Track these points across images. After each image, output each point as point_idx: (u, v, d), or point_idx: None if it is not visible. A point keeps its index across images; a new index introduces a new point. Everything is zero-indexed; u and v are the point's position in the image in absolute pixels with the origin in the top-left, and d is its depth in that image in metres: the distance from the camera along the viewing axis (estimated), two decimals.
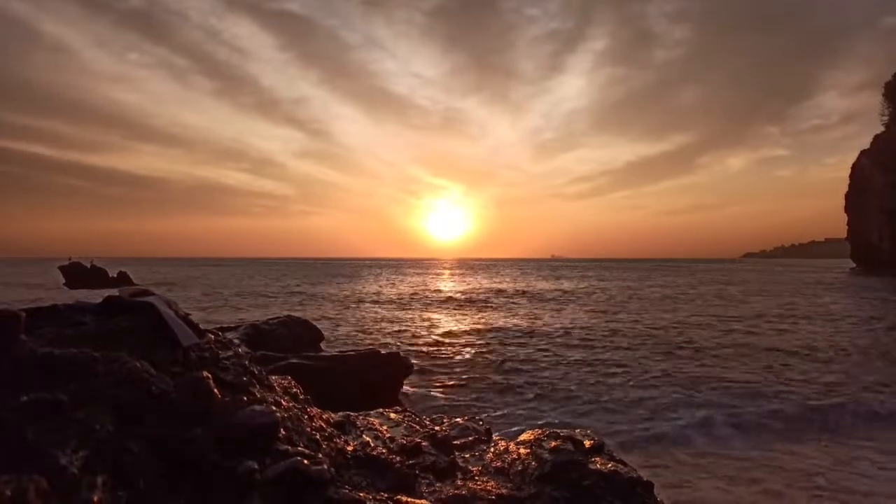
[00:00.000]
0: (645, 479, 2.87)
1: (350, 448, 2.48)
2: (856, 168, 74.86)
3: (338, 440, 2.50)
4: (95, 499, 1.46)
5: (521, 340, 14.33)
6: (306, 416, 2.51)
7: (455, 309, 22.89)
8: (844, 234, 77.34)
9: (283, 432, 2.12)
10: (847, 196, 75.24)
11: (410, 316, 20.39)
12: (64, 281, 41.31)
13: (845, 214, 75.34)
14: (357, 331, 16.45)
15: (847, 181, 75.86)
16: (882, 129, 74.03)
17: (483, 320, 18.94)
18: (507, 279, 50.92)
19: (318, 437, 2.37)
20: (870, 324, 17.60)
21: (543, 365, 11.18)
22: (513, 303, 25.77)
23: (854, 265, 73.02)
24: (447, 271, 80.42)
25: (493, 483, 2.65)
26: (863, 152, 74.29)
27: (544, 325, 17.50)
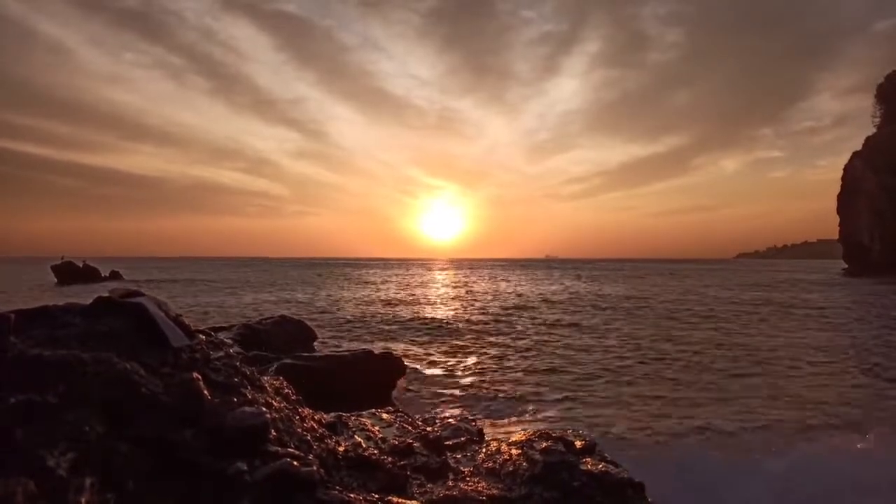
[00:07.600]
0: (636, 479, 2.89)
1: (341, 449, 2.49)
2: (848, 169, 75.39)
3: (329, 441, 2.51)
4: (83, 501, 1.46)
5: (516, 343, 14.36)
6: (297, 417, 2.51)
7: (449, 310, 22.93)
8: (837, 236, 77.93)
9: (274, 433, 2.12)
10: (839, 197, 75.75)
11: (404, 315, 20.38)
12: (56, 280, 41.05)
13: (837, 216, 75.90)
14: (350, 331, 16.42)
15: (839, 182, 76.45)
16: (874, 130, 74.66)
17: (477, 321, 18.97)
18: (507, 281, 50.93)
19: (309, 437, 2.37)
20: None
21: (539, 366, 11.20)
22: (510, 303, 25.84)
23: (846, 266, 73.61)
24: (442, 271, 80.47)
25: (484, 484, 2.66)
26: (855, 154, 74.84)
27: (541, 326, 17.54)
